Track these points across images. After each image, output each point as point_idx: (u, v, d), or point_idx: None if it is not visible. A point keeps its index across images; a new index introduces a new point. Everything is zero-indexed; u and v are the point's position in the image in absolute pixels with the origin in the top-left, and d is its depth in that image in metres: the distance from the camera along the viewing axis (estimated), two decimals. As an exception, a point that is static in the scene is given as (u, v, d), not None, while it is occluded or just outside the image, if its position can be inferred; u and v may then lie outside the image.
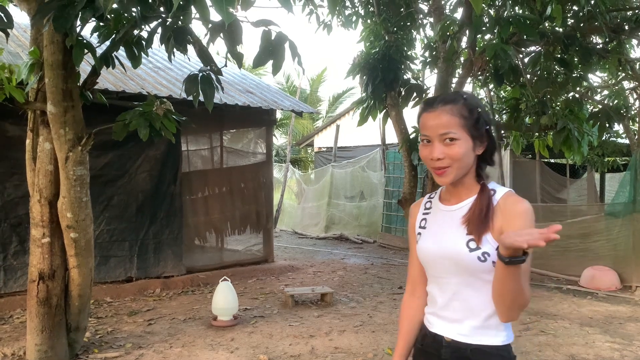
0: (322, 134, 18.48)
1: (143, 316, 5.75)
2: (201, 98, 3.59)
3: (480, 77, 6.67)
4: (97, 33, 4.08)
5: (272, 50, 2.82)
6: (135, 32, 4.05)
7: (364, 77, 6.79)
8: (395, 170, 11.18)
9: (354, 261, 9.52)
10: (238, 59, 2.84)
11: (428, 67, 6.87)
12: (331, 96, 22.47)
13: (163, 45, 3.53)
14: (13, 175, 6.28)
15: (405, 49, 6.88)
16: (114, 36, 3.92)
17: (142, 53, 4.13)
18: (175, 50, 3.42)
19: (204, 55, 2.77)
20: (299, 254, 10.31)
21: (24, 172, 6.38)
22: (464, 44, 5.97)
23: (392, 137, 11.90)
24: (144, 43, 4.17)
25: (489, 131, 1.51)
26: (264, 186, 8.76)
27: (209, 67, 3.30)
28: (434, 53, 6.73)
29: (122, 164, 7.08)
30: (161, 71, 8.02)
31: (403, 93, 6.55)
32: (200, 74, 2.83)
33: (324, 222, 13.06)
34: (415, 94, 6.48)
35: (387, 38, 6.74)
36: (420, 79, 7.08)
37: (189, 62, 9.39)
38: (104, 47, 4.11)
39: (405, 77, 6.69)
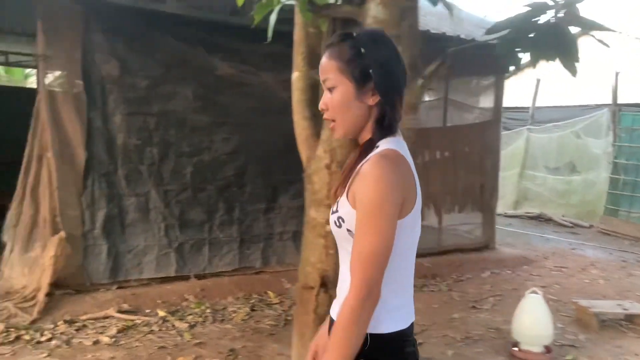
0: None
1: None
2: None
3: None
4: None
5: None
6: None
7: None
8: (634, 139, 8.73)
9: (593, 254, 7.40)
10: None
11: None
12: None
13: None
14: (222, 126, 4.97)
15: None
16: None
17: None
18: None
19: None
20: (504, 236, 8.39)
21: (234, 122, 5.11)
22: None
23: (630, 95, 9.44)
24: None
25: (378, 74, 1.27)
26: (491, 151, 6.89)
27: None
28: None
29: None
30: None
31: None
32: None
33: (512, 197, 10.92)
34: None
35: None
36: None
37: None
38: None
39: None
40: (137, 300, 4.29)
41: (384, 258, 1.24)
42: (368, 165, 1.24)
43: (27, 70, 13.72)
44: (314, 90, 2.91)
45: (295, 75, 2.94)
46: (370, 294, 1.22)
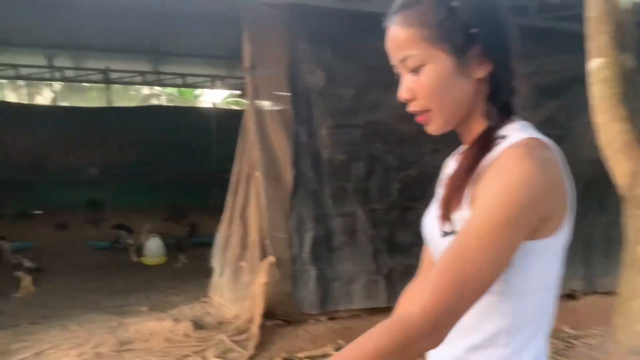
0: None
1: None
2: None
3: None
4: None
5: None
6: None
7: None
8: None
9: None
10: None
11: None
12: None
13: None
14: (431, 135, 4.34)
15: None
16: None
17: None
18: None
19: None
20: None
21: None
22: None
23: None
24: None
25: (487, 31, 0.90)
26: None
27: None
28: None
29: (566, 118, 4.70)
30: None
31: None
32: None
33: None
34: None
35: None
36: None
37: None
38: None
39: None
40: (352, 336, 3.77)
41: (479, 290, 0.85)
42: (508, 156, 0.87)
43: (197, 91, 14.60)
44: (626, 81, 2.18)
45: (599, 62, 2.22)
46: (435, 329, 0.83)
